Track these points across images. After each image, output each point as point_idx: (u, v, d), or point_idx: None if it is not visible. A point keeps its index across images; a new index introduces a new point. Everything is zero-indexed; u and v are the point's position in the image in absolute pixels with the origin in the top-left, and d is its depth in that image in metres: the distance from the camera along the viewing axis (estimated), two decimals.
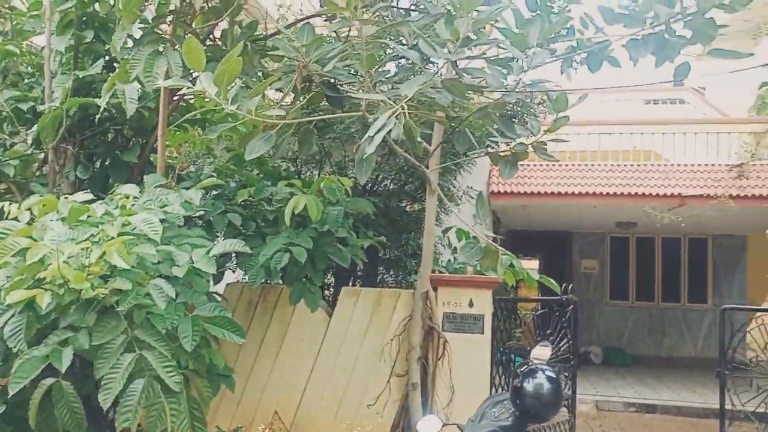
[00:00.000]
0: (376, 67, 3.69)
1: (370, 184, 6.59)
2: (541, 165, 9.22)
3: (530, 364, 3.35)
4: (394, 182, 6.57)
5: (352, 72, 3.77)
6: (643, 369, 11.13)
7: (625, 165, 8.97)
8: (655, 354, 12.05)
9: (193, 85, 2.99)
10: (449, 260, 5.98)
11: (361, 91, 3.39)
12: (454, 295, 5.28)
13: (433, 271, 5.72)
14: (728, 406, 6.33)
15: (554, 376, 3.22)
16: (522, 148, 3.98)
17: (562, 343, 6.48)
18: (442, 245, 6.47)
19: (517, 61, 3.55)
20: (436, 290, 5.31)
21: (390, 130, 2.76)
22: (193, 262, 2.93)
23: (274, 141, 2.91)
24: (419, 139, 3.11)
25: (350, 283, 6.60)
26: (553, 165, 9.18)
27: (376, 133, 2.67)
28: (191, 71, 3.41)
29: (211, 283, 4.80)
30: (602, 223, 11.03)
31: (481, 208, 3.72)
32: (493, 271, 4.22)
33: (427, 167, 4.89)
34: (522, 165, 9.32)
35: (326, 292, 6.50)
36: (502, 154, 4.20)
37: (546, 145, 3.94)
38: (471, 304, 5.24)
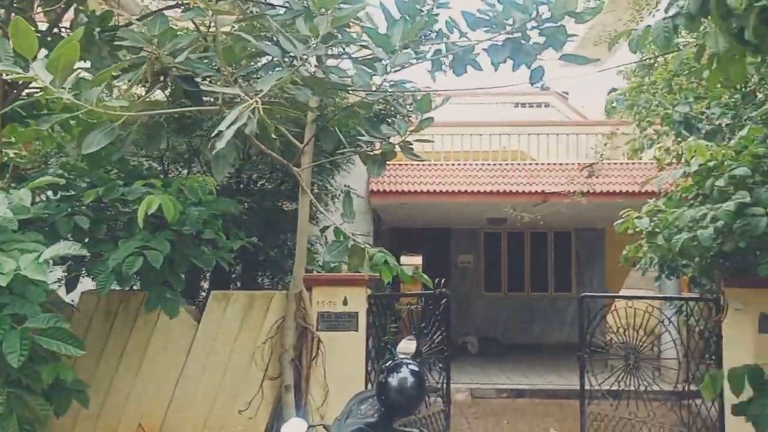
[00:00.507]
0: (241, 61, 3.57)
1: (243, 184, 6.41)
2: (417, 165, 9.46)
3: (395, 359, 3.40)
4: (270, 181, 6.44)
5: (214, 66, 3.62)
6: (516, 356, 11.78)
7: (495, 164, 9.44)
8: (526, 341, 12.80)
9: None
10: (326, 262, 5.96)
11: (220, 85, 3.26)
12: (329, 294, 5.27)
13: (309, 271, 5.68)
14: (587, 387, 6.88)
15: (417, 369, 3.28)
16: (389, 148, 4.02)
17: (436, 335, 6.69)
18: (320, 245, 6.43)
19: (382, 61, 3.59)
20: (310, 290, 5.27)
21: (245, 126, 2.67)
22: (20, 269, 2.65)
23: (116, 135, 2.71)
24: (276, 136, 3.04)
25: (230, 287, 6.39)
26: (429, 165, 9.48)
27: (227, 128, 2.57)
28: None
29: (63, 291, 4.42)
30: (476, 219, 11.54)
31: (348, 207, 3.72)
32: (360, 269, 4.24)
33: (299, 166, 4.83)
34: (400, 165, 9.61)
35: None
36: (371, 153, 4.24)
37: (412, 144, 4.01)
38: (345, 302, 5.26)
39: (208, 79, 3.64)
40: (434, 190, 8.91)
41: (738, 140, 4.81)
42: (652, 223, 4.98)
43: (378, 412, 3.27)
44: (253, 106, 2.67)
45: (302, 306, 5.11)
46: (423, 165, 9.46)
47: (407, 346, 3.71)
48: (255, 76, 3.80)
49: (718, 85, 6.10)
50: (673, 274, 5.85)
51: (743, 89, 6.45)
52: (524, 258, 13.15)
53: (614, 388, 6.53)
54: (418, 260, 19.07)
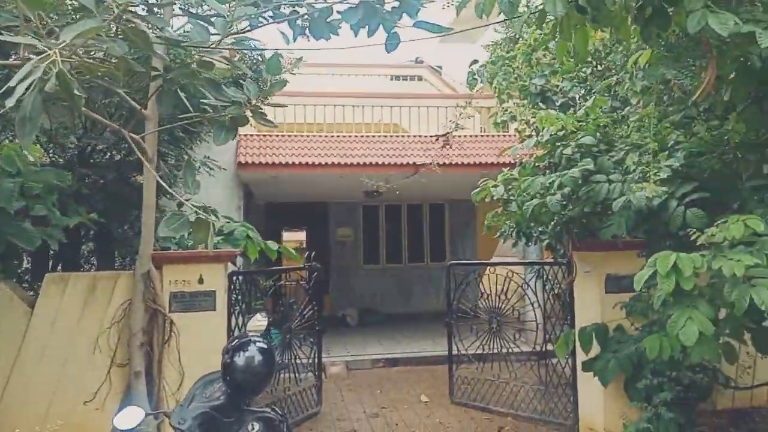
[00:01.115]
0: (52, 10, 3.11)
1: (88, 153, 5.81)
2: (290, 137, 9.17)
3: (242, 336, 3.18)
4: (118, 152, 5.89)
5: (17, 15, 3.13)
6: (394, 326, 11.97)
7: (369, 136, 9.36)
8: (404, 311, 13.05)
9: None
10: (182, 236, 5.57)
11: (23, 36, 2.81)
12: (183, 273, 4.93)
13: (167, 249, 5.28)
14: (455, 352, 7.09)
15: (266, 347, 3.09)
16: (237, 112, 3.75)
17: (307, 310, 6.56)
18: None
19: (223, 18, 3.30)
20: (161, 269, 4.89)
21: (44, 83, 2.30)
22: None
23: None
24: (111, 99, 2.67)
25: (80, 269, 5.81)
26: (302, 136, 9.21)
27: (17, 84, 2.20)
28: None
29: None
30: (352, 193, 11.46)
31: (189, 177, 3.42)
32: (204, 244, 3.97)
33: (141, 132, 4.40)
34: (270, 136, 9.25)
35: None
36: (219, 118, 3.93)
37: (263, 109, 3.77)
38: (201, 281, 4.95)
39: (12, 30, 3.16)
40: (307, 162, 8.67)
41: (584, 110, 5.03)
42: (507, 192, 5.12)
43: (224, 395, 3.05)
44: (51, 59, 2.30)
45: (151, 286, 4.73)
46: (296, 137, 9.19)
47: (258, 323, 3.52)
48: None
49: (571, 60, 6.40)
50: (529, 241, 6.11)
51: (596, 65, 6.81)
52: (401, 230, 13.33)
53: (480, 351, 6.78)
54: (301, 236, 18.80)
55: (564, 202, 4.59)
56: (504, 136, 9.52)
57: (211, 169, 6.56)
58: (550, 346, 6.04)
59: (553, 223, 5.29)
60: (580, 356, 5.50)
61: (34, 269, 6.03)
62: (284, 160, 8.65)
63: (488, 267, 8.14)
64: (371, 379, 8.18)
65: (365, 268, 13.13)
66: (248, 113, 3.82)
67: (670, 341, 3.81)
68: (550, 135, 5.22)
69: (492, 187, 5.19)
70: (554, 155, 5.00)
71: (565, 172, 4.52)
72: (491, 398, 6.68)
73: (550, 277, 6.13)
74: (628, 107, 5.49)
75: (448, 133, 7.10)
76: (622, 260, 5.36)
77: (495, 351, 6.71)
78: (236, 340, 3.14)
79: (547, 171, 5.33)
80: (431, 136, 9.09)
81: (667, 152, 4.26)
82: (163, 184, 3.38)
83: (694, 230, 3.62)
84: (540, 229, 5.71)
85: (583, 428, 5.71)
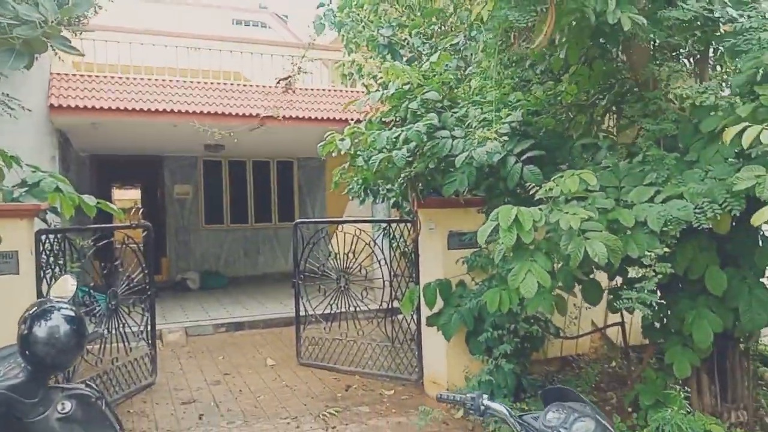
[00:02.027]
0: None
1: None
2: (114, 78, 8.14)
3: (44, 302, 2.63)
4: None
5: None
6: (239, 289, 11.50)
7: (208, 83, 8.62)
8: (250, 273, 12.59)
9: None
10: None
11: None
12: None
13: None
14: (302, 312, 6.88)
15: (72, 313, 2.57)
16: (30, 34, 3.07)
17: (136, 273, 5.92)
18: None
19: None
20: None
21: None
22: None
23: None
24: None
25: None
26: (129, 79, 8.22)
27: None
28: None
29: None
30: (191, 146, 10.63)
31: None
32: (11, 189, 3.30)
33: None
34: (92, 78, 8.14)
35: None
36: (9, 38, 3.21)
37: (62, 32, 3.13)
38: None
39: None
40: (134, 108, 7.76)
41: (429, 65, 4.94)
42: (353, 146, 4.91)
43: (24, 372, 2.51)
44: None
45: None
46: (121, 79, 8.17)
47: (62, 287, 2.97)
48: None
49: (418, 15, 6.31)
50: (376, 198, 6.00)
51: (441, 24, 6.78)
52: (247, 188, 12.71)
53: (327, 311, 6.65)
54: (136, 195, 17.23)
55: (410, 158, 4.49)
56: (352, 91, 9.32)
57: (12, 109, 5.55)
58: (396, 304, 6.06)
59: (399, 179, 5.20)
60: (425, 312, 5.56)
61: None
62: (107, 105, 7.66)
63: (337, 226, 8.01)
64: (213, 344, 7.73)
65: (207, 228, 12.37)
66: (48, 38, 3.15)
67: (510, 294, 3.91)
68: (396, 89, 5.07)
69: (339, 140, 4.95)
70: (400, 110, 4.87)
71: (410, 126, 4.40)
72: (339, 358, 6.60)
73: (396, 235, 6.11)
74: (471, 67, 5.52)
75: (290, 76, 6.69)
76: (463, 217, 5.45)
77: (343, 310, 6.62)
78: (35, 308, 2.59)
79: (393, 126, 5.20)
80: (276, 84, 8.61)
81: (506, 109, 4.31)
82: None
83: (532, 186, 3.69)
84: (387, 186, 5.62)
85: (427, 382, 5.83)
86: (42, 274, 4.65)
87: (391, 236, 6.19)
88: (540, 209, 3.39)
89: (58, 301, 2.69)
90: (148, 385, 6.01)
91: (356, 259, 6.45)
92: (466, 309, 5.10)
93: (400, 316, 6.20)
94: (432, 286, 5.32)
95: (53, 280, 4.89)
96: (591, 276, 4.05)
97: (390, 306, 6.24)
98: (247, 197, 12.71)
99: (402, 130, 4.44)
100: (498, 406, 2.34)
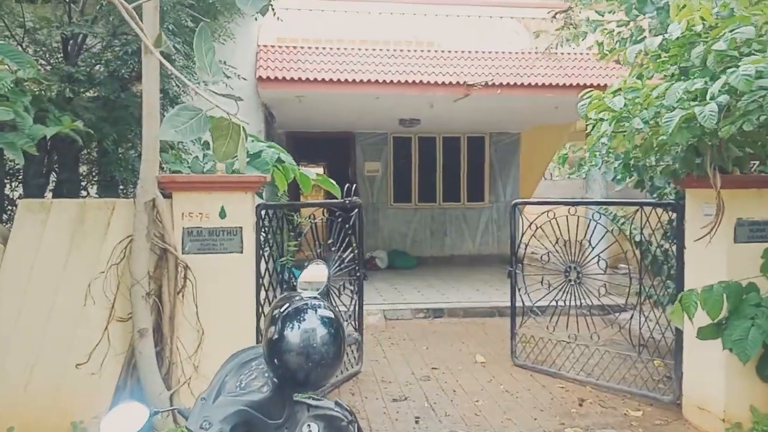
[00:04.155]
0: None
1: (75, 49, 4.56)
2: (318, 50, 7.82)
3: (294, 298, 2.00)
4: (110, 50, 4.61)
5: None
6: (427, 270, 10.94)
7: (409, 51, 7.98)
8: (437, 254, 11.98)
9: None
10: (195, 157, 4.40)
11: None
12: (199, 203, 3.76)
13: (176, 173, 4.11)
14: (519, 304, 5.98)
15: (332, 315, 1.91)
16: None
17: (347, 253, 5.45)
18: (192, 141, 4.79)
19: None
20: (170, 198, 3.74)
21: None
22: None
23: None
24: None
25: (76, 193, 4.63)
26: (332, 50, 7.86)
27: None
28: None
29: None
30: (385, 121, 10.19)
31: (207, 51, 2.17)
32: (233, 160, 2.79)
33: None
34: (296, 50, 7.92)
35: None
36: None
37: None
38: (223, 215, 3.79)
39: None
40: (338, 79, 7.36)
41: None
42: (629, 102, 3.82)
43: (269, 384, 1.91)
44: None
45: (158, 220, 3.60)
46: (324, 50, 7.84)
47: (315, 273, 2.37)
48: None
49: None
50: (640, 175, 4.80)
51: None
52: (436, 165, 12.05)
53: (547, 304, 5.70)
54: (319, 171, 17.59)
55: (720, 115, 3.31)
56: (569, 53, 8.11)
57: (228, 77, 5.26)
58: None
59: (679, 149, 4.03)
60: (698, 321, 4.35)
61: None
62: (311, 76, 7.34)
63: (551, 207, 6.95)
64: (414, 332, 7.15)
65: (395, 206, 11.95)
66: None
67: None
68: (682, 33, 3.89)
69: (608, 96, 3.91)
70: (684, 58, 3.70)
71: (725, 74, 3.22)
72: (563, 363, 5.63)
73: (639, 224, 4.95)
74: None
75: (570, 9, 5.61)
76: (756, 201, 4.17)
77: (570, 304, 5.61)
78: (287, 304, 1.95)
79: (672, 80, 4.03)
80: (485, 52, 7.73)
81: None
82: (169, 66, 2.14)
83: None
84: (656, 157, 4.42)
85: (688, 406, 4.65)
86: (261, 253, 4.27)
87: (632, 223, 5.05)
88: None
89: (312, 298, 2.02)
90: (355, 374, 5.56)
91: (593, 248, 5.39)
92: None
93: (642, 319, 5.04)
94: (716, 289, 4.10)
95: (271, 260, 4.52)
96: None
97: (639, 306, 5.10)
98: (436, 175, 12.06)
99: (707, 82, 3.29)
100: None
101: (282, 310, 1.88)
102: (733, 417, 4.24)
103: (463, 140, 12.07)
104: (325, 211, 5.79)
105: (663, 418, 4.67)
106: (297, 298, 1.97)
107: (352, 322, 5.59)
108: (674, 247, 4.86)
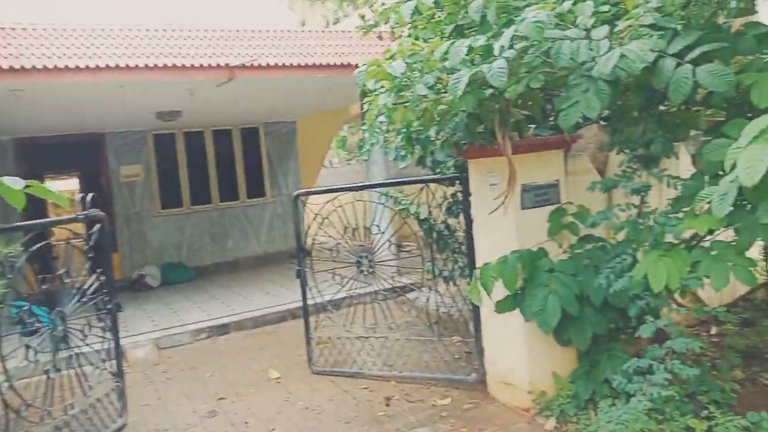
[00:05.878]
0: None
1: None
2: (43, 32, 6.21)
3: None
4: None
5: None
6: (209, 281, 9.83)
7: (158, 30, 6.78)
8: (220, 260, 10.87)
9: None
10: None
11: None
12: None
13: None
14: (311, 302, 5.36)
15: None
16: None
17: (90, 281, 4.29)
18: None
19: None
20: None
21: None
22: None
23: None
24: None
25: None
26: (62, 33, 6.32)
27: None
28: None
29: None
30: (140, 116, 8.78)
31: None
32: None
33: None
34: (12, 31, 6.21)
35: None
36: None
37: None
38: None
39: None
40: (69, 66, 5.91)
41: None
42: (408, 68, 3.35)
43: None
44: None
45: None
46: (51, 33, 6.25)
47: None
48: None
49: None
50: (424, 149, 4.39)
51: None
52: (207, 163, 10.89)
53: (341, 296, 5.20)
54: (73, 184, 15.03)
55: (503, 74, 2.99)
56: (341, 32, 7.69)
57: None
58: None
59: (458, 116, 3.71)
60: (496, 294, 4.14)
61: None
62: (32, 64, 5.80)
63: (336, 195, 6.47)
64: (195, 358, 6.11)
65: (164, 213, 10.53)
66: None
67: (680, 263, 2.57)
68: None
69: (385, 62, 3.40)
70: (466, 13, 3.36)
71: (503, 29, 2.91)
72: (363, 358, 5.16)
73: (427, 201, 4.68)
74: None
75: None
76: (535, 165, 4.08)
77: (360, 292, 5.17)
78: None
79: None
80: (257, 31, 6.92)
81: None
82: None
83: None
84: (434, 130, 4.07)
85: (493, 383, 4.48)
86: None
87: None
88: None
89: None
90: (118, 430, 4.42)
91: (382, 233, 4.97)
92: (563, 288, 3.76)
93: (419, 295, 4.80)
94: (510, 259, 3.90)
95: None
96: None
97: (431, 285, 4.81)
98: (208, 173, 10.90)
99: (490, 35, 2.94)
100: None
101: None
102: (538, 387, 4.12)
103: (235, 133, 11.10)
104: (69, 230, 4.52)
105: (472, 401, 4.44)
106: None
107: (107, 367, 4.43)
108: (456, 222, 4.66)
